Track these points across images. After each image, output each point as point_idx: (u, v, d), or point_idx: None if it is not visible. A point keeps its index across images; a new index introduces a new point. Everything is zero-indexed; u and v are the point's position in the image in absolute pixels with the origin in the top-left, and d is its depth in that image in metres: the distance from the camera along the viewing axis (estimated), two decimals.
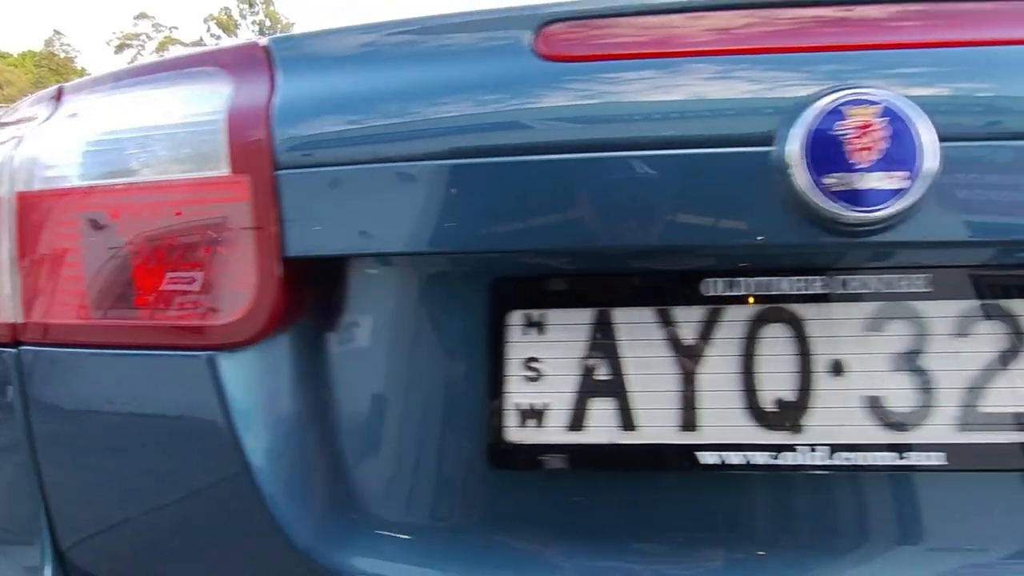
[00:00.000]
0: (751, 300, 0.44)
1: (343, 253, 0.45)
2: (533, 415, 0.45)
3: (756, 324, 0.43)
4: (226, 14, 55.41)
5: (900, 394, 0.42)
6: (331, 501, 0.46)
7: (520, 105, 0.44)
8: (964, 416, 0.42)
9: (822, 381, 0.43)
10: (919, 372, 0.42)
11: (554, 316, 0.45)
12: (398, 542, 0.46)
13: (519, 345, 0.45)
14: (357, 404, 0.47)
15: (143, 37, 56.93)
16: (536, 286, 0.45)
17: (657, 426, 0.44)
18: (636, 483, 0.45)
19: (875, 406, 0.43)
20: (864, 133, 0.37)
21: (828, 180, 0.37)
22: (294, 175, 0.44)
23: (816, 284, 0.43)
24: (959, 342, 0.42)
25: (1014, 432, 0.42)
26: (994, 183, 0.39)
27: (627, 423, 0.44)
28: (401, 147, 0.44)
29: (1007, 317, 0.42)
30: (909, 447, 0.42)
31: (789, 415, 0.43)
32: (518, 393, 0.45)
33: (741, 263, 0.43)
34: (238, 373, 0.45)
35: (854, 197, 0.37)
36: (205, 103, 0.47)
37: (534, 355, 0.45)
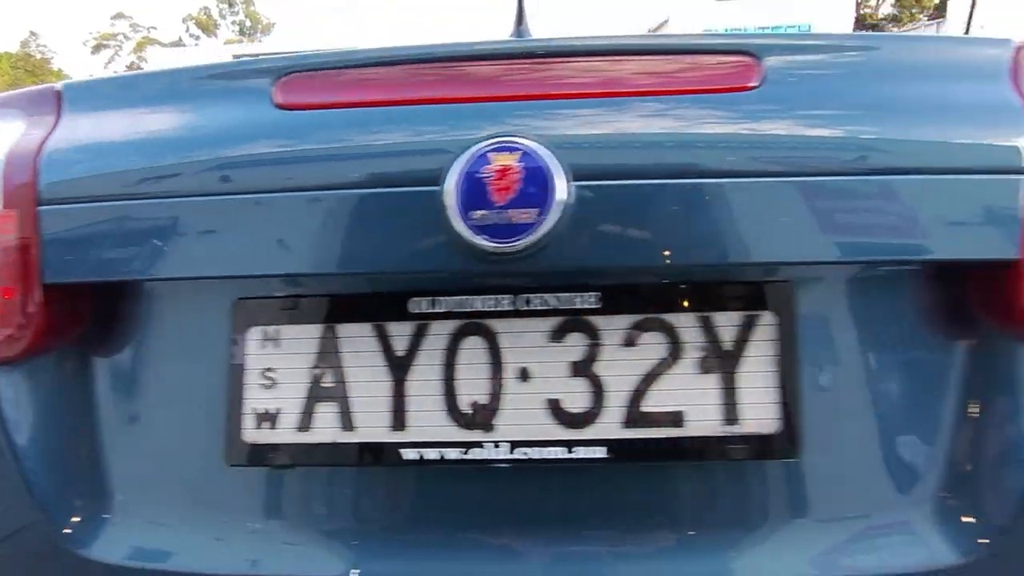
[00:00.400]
0: (451, 316, 0.50)
1: (97, 280, 0.51)
2: (267, 418, 0.51)
3: (456, 337, 0.50)
4: (205, 14, 54.74)
5: (575, 397, 0.49)
6: (92, 500, 0.52)
7: (254, 149, 0.50)
8: (628, 415, 0.49)
9: (510, 386, 0.50)
10: (591, 377, 0.49)
11: (287, 331, 0.51)
12: (149, 535, 0.52)
13: (257, 357, 0.51)
14: (118, 413, 0.53)
15: (120, 37, 56.02)
16: (271, 305, 0.52)
17: (372, 427, 0.50)
18: (355, 476, 0.52)
19: (554, 407, 0.49)
20: (504, 175, 0.44)
21: (475, 216, 0.44)
22: (55, 210, 0.50)
23: (504, 302, 0.50)
24: (626, 351, 0.49)
25: (670, 428, 0.49)
26: (623, 217, 0.46)
27: (347, 424, 0.50)
28: (151, 185, 0.50)
29: (667, 328, 0.49)
30: (580, 443, 0.49)
31: (482, 416, 0.49)
32: (255, 399, 0.51)
33: (441, 285, 0.50)
34: (6, 384, 0.51)
35: (495, 230, 0.44)
36: None
37: (270, 366, 0.51)
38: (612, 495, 0.50)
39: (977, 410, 0.48)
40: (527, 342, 0.50)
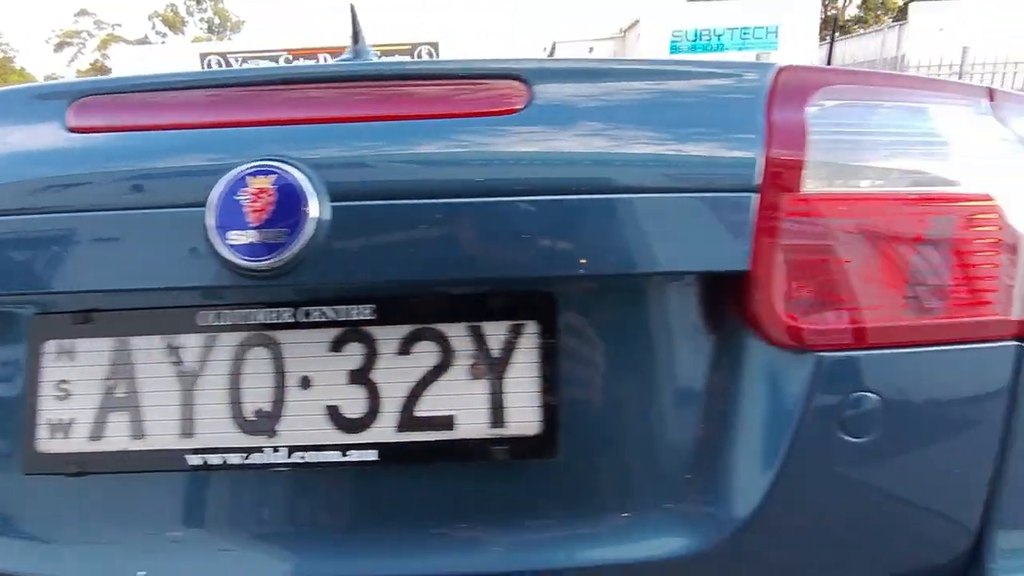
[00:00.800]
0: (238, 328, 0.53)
1: None
2: (61, 428, 0.53)
3: (242, 349, 0.53)
4: (172, 11, 53.63)
5: (352, 403, 0.52)
6: None
7: (46, 172, 0.52)
8: (401, 420, 0.52)
9: (292, 394, 0.52)
10: (368, 384, 0.52)
11: (81, 345, 0.53)
12: None
13: (52, 370, 0.53)
14: None
15: (84, 35, 54.60)
16: (66, 320, 0.54)
17: (161, 435, 0.53)
18: (145, 483, 0.54)
19: (332, 414, 0.52)
20: (259, 197, 0.47)
21: (231, 235, 0.47)
22: None
23: (286, 315, 0.52)
24: (400, 359, 0.52)
25: (441, 432, 0.52)
26: (386, 235, 0.49)
27: (137, 433, 0.53)
28: None
29: (439, 338, 0.52)
30: (355, 446, 0.52)
31: (265, 423, 0.52)
32: (49, 411, 0.53)
33: (224, 299, 0.53)
34: None
35: (248, 249, 0.47)
36: None
37: (64, 378, 0.53)
38: (386, 496, 0.54)
39: (725, 410, 0.53)
40: (308, 352, 0.53)
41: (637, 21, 26.82)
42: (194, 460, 0.52)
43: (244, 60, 29.65)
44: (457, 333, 0.52)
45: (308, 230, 0.47)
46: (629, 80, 0.56)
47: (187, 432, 0.52)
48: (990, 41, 9.84)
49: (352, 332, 0.53)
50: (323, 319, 0.53)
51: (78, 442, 0.53)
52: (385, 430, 0.52)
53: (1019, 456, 0.53)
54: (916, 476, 0.52)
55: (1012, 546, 0.54)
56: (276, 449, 0.52)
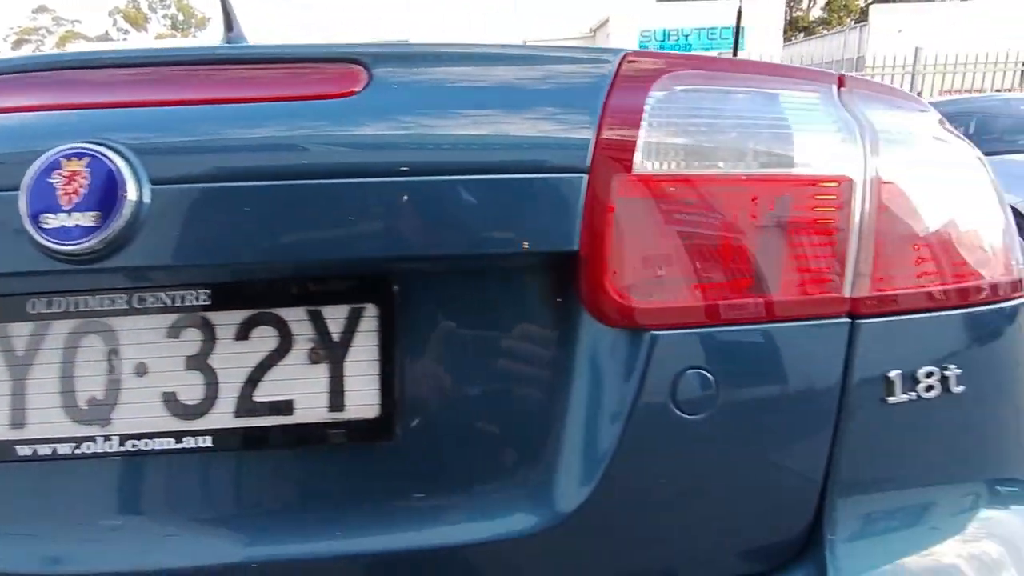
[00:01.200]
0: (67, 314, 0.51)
1: None
2: None
3: (76, 336, 0.51)
4: (134, 7, 52.29)
5: (190, 389, 0.51)
6: None
7: None
8: (239, 406, 0.51)
9: (128, 381, 0.51)
10: (206, 370, 0.52)
11: None
12: None
13: None
14: None
15: (43, 32, 52.94)
16: None
17: None
18: None
19: (168, 400, 0.51)
20: (72, 180, 0.46)
21: (44, 219, 0.46)
22: None
23: (120, 301, 0.52)
24: (239, 344, 0.52)
25: (279, 417, 0.52)
26: (217, 218, 0.49)
27: None
28: None
29: (279, 322, 0.52)
30: (191, 433, 0.51)
31: (97, 411, 0.51)
32: None
33: (54, 285, 0.51)
34: None
35: (60, 233, 0.46)
36: None
37: None
38: (222, 483, 0.53)
39: (566, 390, 0.53)
40: (144, 339, 0.52)
41: (607, 20, 27.04)
42: (24, 451, 0.51)
43: None
44: (296, 317, 0.52)
45: (125, 213, 0.46)
46: (473, 65, 0.56)
47: (17, 423, 0.51)
48: (949, 43, 10.15)
49: (189, 318, 0.52)
50: (158, 305, 0.52)
51: None
52: (223, 416, 0.51)
53: (853, 431, 0.54)
54: (753, 452, 0.54)
55: (848, 517, 0.55)
56: (108, 438, 0.51)
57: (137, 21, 52.38)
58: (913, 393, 0.55)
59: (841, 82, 0.61)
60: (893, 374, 0.54)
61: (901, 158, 0.58)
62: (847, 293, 0.53)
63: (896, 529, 0.56)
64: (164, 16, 54.46)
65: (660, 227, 0.52)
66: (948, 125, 0.66)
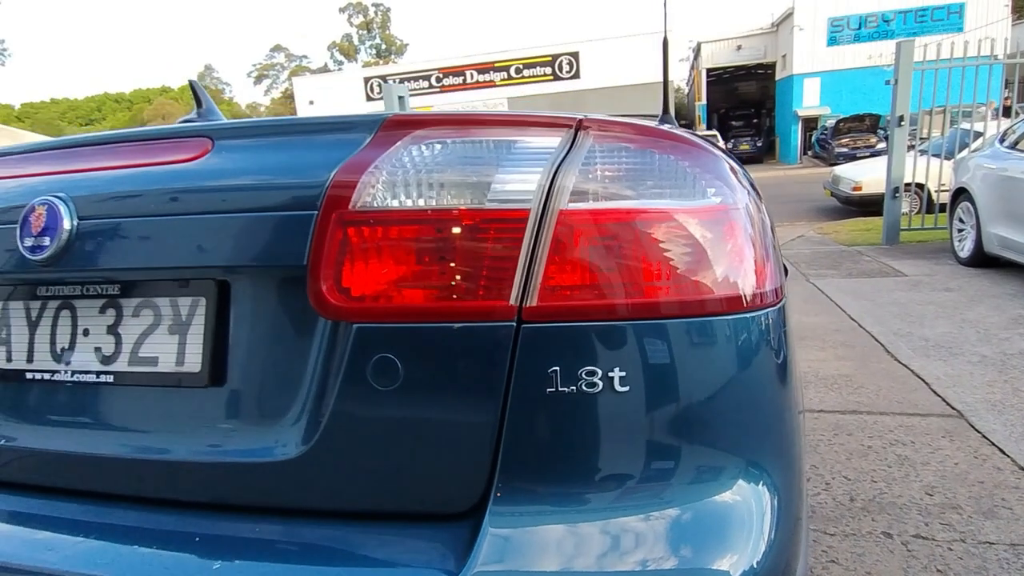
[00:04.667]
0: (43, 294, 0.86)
1: None
2: None
3: (59, 309, 0.86)
4: (347, 41, 59.91)
5: (108, 345, 0.83)
6: None
7: None
8: (131, 358, 0.82)
9: (79, 338, 0.85)
10: (116, 335, 0.83)
11: None
12: None
13: None
14: None
15: (278, 67, 62.79)
16: None
17: (15, 358, 0.87)
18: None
19: (96, 351, 0.84)
20: (39, 218, 0.80)
21: (25, 240, 0.80)
22: None
23: (77, 290, 0.85)
24: (135, 319, 0.82)
25: (151, 366, 0.81)
26: (112, 240, 0.79)
27: (7, 356, 0.88)
28: None
29: (154, 306, 0.82)
30: (106, 372, 0.83)
31: (64, 355, 0.85)
32: None
33: (42, 278, 0.86)
34: None
35: (31, 248, 0.79)
36: None
37: None
38: (117, 406, 0.84)
39: (312, 361, 0.75)
40: (87, 314, 0.85)
41: (791, 12, 24.95)
42: (29, 376, 0.86)
43: (401, 80, 32.16)
44: (163, 304, 0.81)
45: (62, 237, 0.79)
46: (276, 135, 0.81)
47: (29, 359, 0.87)
48: None
49: (109, 301, 0.84)
50: (95, 293, 0.84)
51: None
52: (122, 363, 0.82)
53: (518, 411, 0.68)
54: (433, 420, 0.70)
55: (513, 484, 0.69)
56: (66, 372, 0.84)
57: (349, 53, 59.90)
58: (574, 387, 0.67)
59: (579, 126, 0.75)
60: (553, 370, 0.67)
61: (589, 194, 0.70)
62: (514, 303, 0.68)
63: (555, 498, 0.68)
64: (370, 46, 61.47)
65: (367, 249, 0.71)
66: (695, 160, 0.75)
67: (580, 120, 0.76)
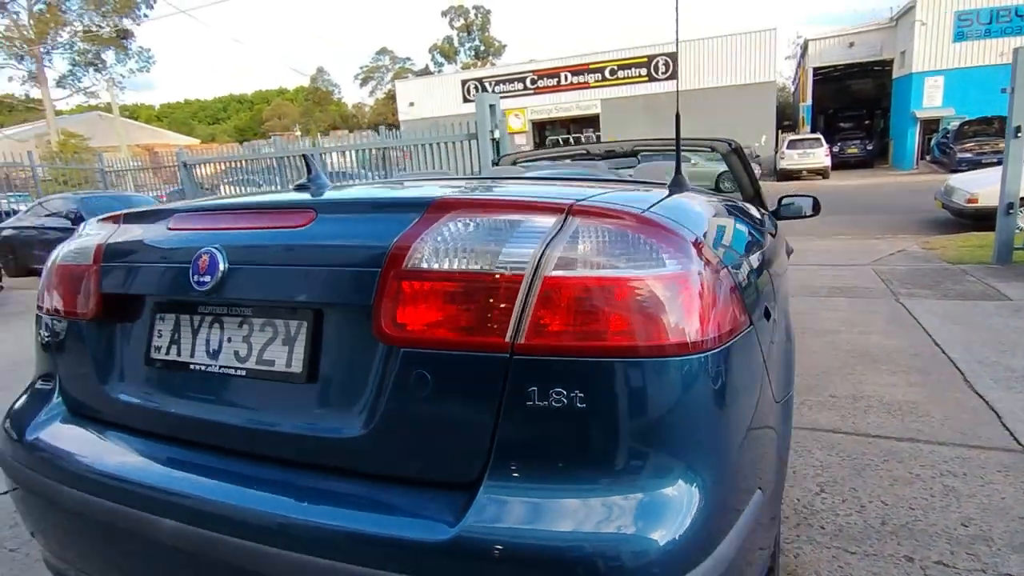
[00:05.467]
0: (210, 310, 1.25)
1: None
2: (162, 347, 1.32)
3: (214, 322, 1.25)
4: (448, 43, 61.78)
5: (244, 350, 1.20)
6: None
7: (161, 245, 1.31)
8: (257, 359, 1.18)
9: (224, 344, 1.23)
10: (249, 343, 1.20)
11: (172, 310, 1.31)
12: None
13: (159, 327, 1.32)
14: None
15: (383, 70, 65.73)
16: (173, 305, 1.32)
17: (191, 355, 1.27)
18: (184, 374, 1.29)
19: (235, 353, 1.21)
20: (204, 263, 1.18)
21: (194, 277, 1.19)
22: None
23: (227, 310, 1.23)
24: (261, 332, 1.19)
25: (270, 366, 1.17)
26: (249, 279, 1.16)
27: (186, 357, 1.28)
28: None
29: (274, 325, 1.18)
30: (243, 368, 1.20)
31: (214, 355, 1.23)
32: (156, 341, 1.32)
33: (208, 302, 1.25)
34: None
35: (198, 283, 1.18)
36: None
37: (162, 330, 1.32)
38: (245, 388, 1.21)
39: (372, 370, 1.07)
40: (231, 327, 1.23)
41: (912, 6, 23.15)
42: (192, 367, 1.26)
43: (496, 83, 32.80)
44: (279, 324, 1.17)
45: (217, 276, 1.17)
46: (358, 210, 1.14)
47: (193, 356, 1.27)
48: None
49: (244, 320, 1.21)
50: (236, 313, 1.22)
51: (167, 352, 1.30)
52: (251, 362, 1.19)
53: (508, 415, 0.96)
54: (449, 416, 1.00)
55: (502, 468, 0.98)
56: (215, 366, 1.23)
57: (449, 55, 61.70)
58: (546, 402, 0.95)
59: (570, 210, 1.03)
60: (532, 389, 0.96)
61: (574, 262, 0.97)
62: (508, 339, 0.97)
63: (530, 479, 0.96)
64: (469, 48, 62.98)
65: (414, 297, 1.03)
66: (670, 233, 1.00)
67: (571, 205, 1.03)
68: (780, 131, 29.57)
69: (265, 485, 1.10)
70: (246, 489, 1.10)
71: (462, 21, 60.63)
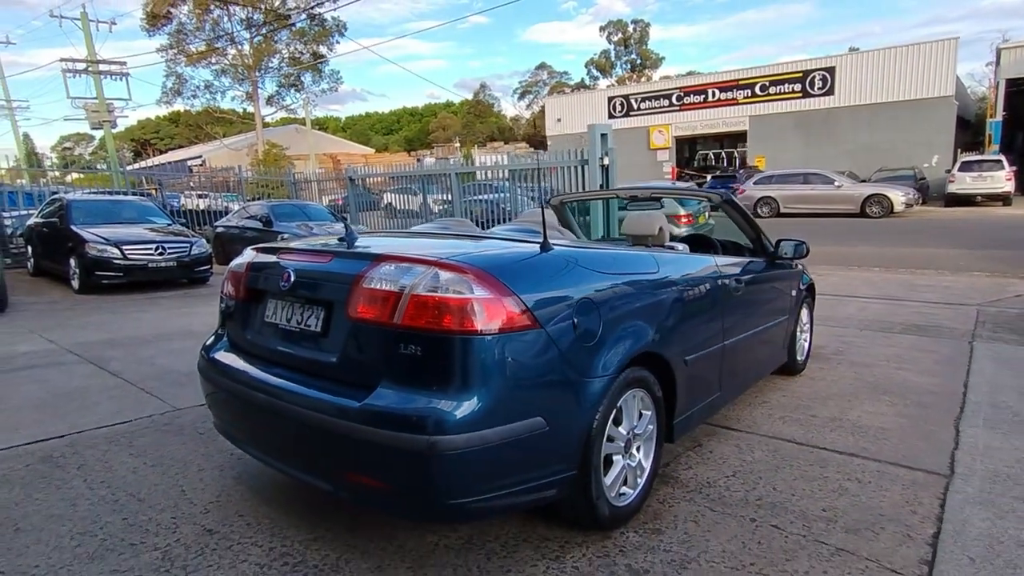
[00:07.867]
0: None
1: None
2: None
3: (291, 307, 2.49)
4: (604, 57, 62.67)
5: (302, 324, 2.43)
6: None
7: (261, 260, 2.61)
8: (301, 324, 2.40)
9: (294, 315, 2.47)
10: (303, 321, 2.42)
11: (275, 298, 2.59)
12: None
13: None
14: None
15: (540, 84, 68.28)
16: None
17: (271, 331, 2.53)
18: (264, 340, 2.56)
19: (298, 326, 2.43)
20: (287, 276, 2.43)
21: (282, 283, 2.44)
22: None
23: (293, 298, 2.47)
24: (301, 312, 2.41)
25: (310, 328, 2.38)
26: (305, 284, 2.38)
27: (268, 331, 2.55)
28: None
29: (307, 304, 2.39)
30: (303, 330, 2.43)
31: (291, 319, 2.48)
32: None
33: (291, 293, 2.49)
34: None
35: (285, 286, 2.42)
36: None
37: None
38: (302, 340, 2.40)
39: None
40: (296, 307, 2.46)
41: None
42: (281, 326, 2.51)
43: (642, 99, 33.11)
44: (314, 307, 2.37)
45: (291, 283, 2.40)
46: (344, 256, 2.31)
47: (279, 319, 2.52)
48: None
49: (301, 304, 2.43)
50: (298, 301, 2.45)
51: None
52: (301, 324, 2.40)
53: (393, 360, 2.06)
54: (368, 353, 2.12)
55: (386, 382, 2.07)
56: (289, 325, 2.46)
57: (605, 69, 62.53)
58: (409, 351, 2.04)
59: (435, 263, 2.12)
60: (401, 343, 2.05)
61: (427, 288, 2.05)
62: (395, 320, 2.06)
63: (402, 389, 2.03)
64: (625, 62, 63.27)
65: (364, 298, 2.17)
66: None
67: (436, 260, 2.11)
68: (960, 150, 26.54)
69: (295, 380, 2.30)
70: (288, 382, 2.31)
71: (620, 35, 61.27)
